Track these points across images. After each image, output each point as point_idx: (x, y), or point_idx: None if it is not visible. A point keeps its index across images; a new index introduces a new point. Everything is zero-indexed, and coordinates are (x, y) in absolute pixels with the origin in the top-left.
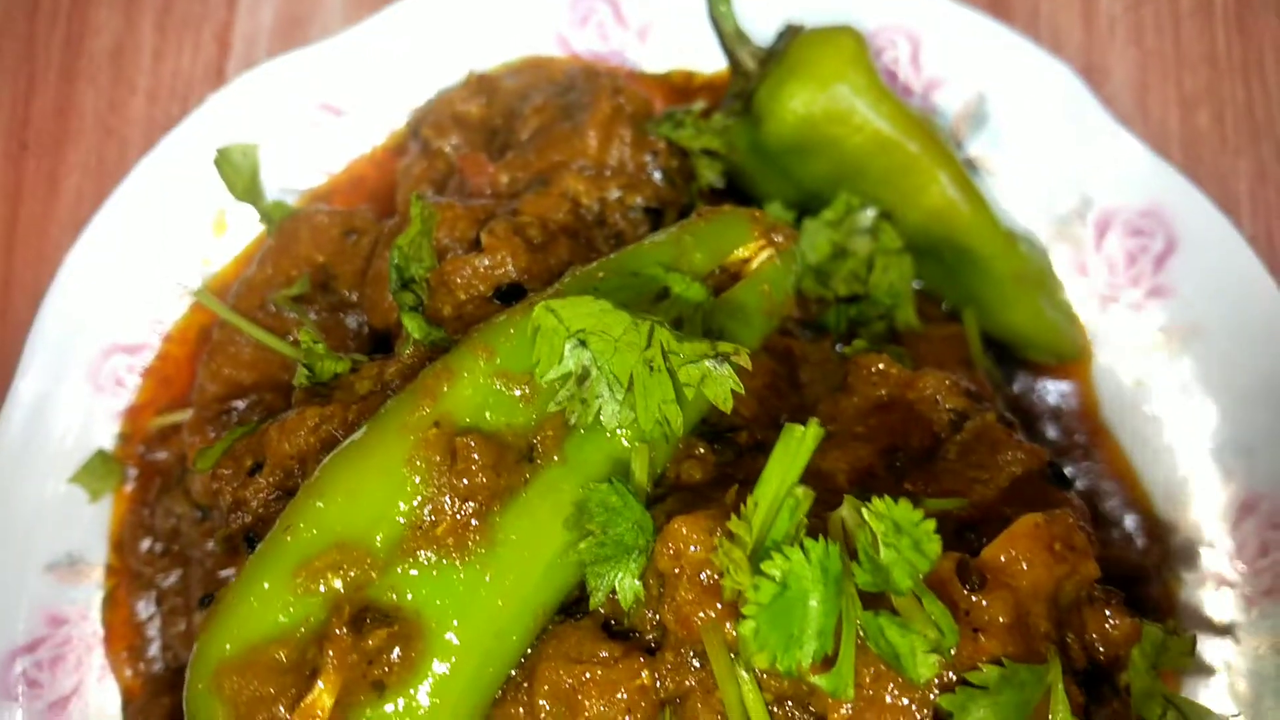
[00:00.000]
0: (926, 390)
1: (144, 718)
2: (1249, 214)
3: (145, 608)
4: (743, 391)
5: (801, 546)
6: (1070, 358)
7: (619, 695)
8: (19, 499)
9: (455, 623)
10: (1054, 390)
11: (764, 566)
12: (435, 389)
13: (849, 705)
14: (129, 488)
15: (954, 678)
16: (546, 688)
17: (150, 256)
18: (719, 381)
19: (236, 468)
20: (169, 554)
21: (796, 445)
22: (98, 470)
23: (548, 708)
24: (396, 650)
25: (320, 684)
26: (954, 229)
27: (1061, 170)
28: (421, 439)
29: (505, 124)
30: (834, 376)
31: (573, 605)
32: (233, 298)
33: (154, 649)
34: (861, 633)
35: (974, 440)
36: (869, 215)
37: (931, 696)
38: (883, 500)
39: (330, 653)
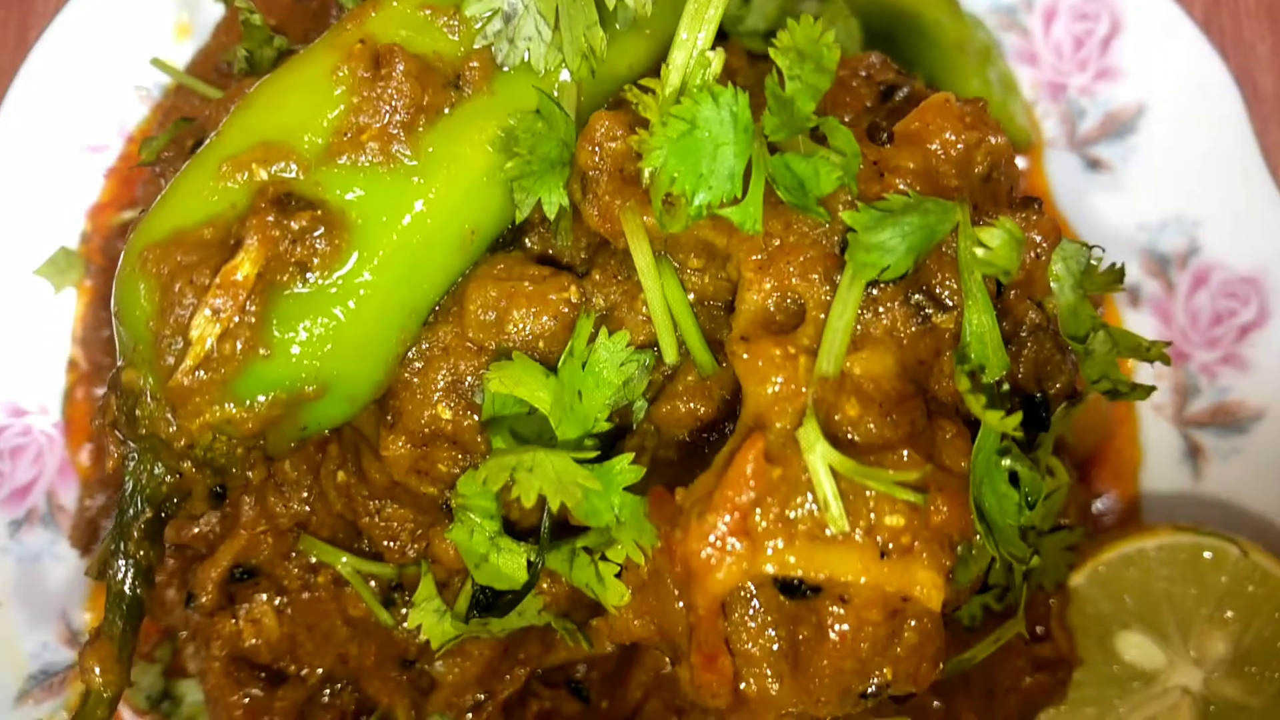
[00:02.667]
0: (859, 66)
1: (101, 486)
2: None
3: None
4: None
5: (711, 93)
6: (1021, 143)
7: (546, 305)
8: None
9: (383, 220)
10: None
11: (673, 110)
12: (362, 14)
13: (761, 255)
14: (90, 283)
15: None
16: (476, 304)
17: (113, 60)
18: None
19: (178, 149)
20: None
21: (706, 4)
22: (61, 264)
23: (476, 321)
24: (321, 236)
25: (243, 253)
26: None
27: None
28: (347, 52)
29: None
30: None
31: (504, 245)
32: (187, 66)
33: None
34: (771, 179)
35: (904, 104)
36: None
37: (836, 237)
38: (786, 31)
39: (253, 223)
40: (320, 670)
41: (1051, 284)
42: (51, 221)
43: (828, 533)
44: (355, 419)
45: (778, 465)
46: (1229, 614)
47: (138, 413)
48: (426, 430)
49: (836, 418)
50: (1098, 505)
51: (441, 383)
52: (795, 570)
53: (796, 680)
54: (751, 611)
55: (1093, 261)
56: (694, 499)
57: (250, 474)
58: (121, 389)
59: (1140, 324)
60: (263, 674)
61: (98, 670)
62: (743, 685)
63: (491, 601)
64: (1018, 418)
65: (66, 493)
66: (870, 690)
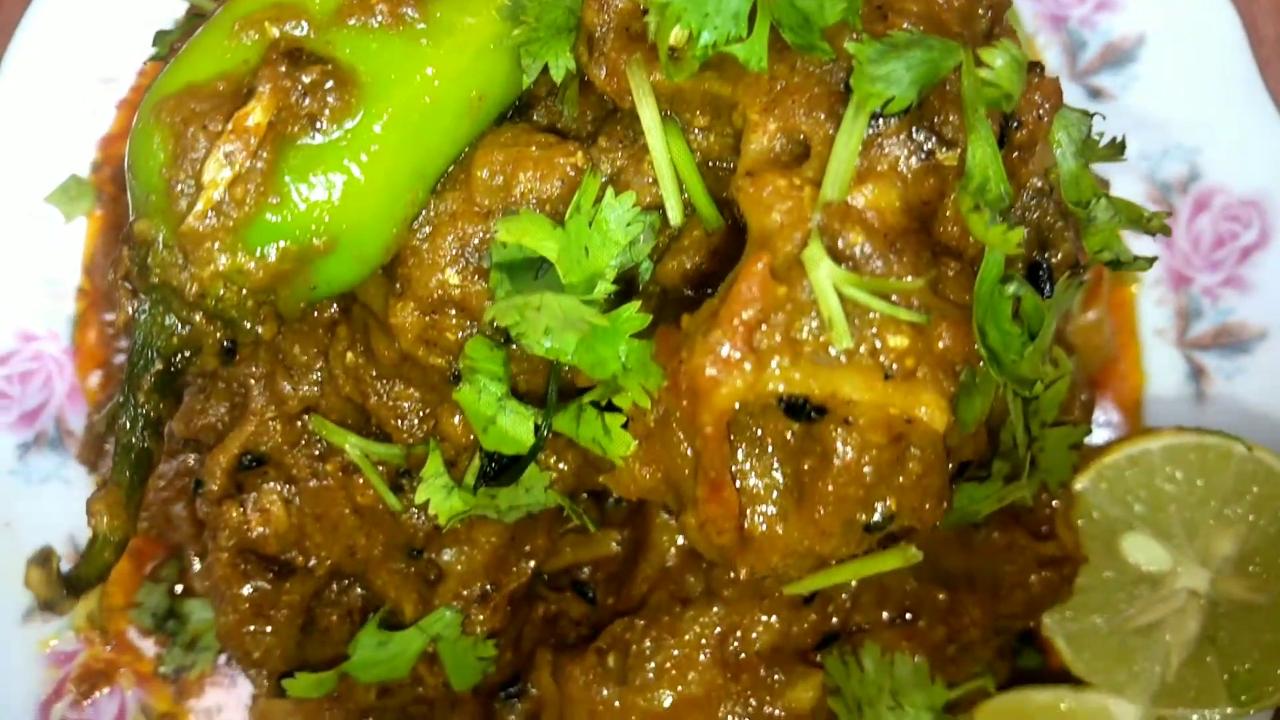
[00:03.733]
0: None
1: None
2: None
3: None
4: None
5: None
6: None
7: (552, 169)
8: None
9: (391, 79)
10: None
11: None
12: None
13: (766, 98)
14: (101, 211)
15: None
16: (482, 168)
17: None
18: None
19: None
20: None
21: None
22: (72, 191)
23: (482, 184)
24: (331, 91)
25: (255, 101)
26: None
27: None
28: None
29: None
30: None
31: (510, 119)
32: None
33: (121, 361)
34: (776, 20)
35: None
36: None
37: (841, 74)
38: None
39: (265, 73)
40: (329, 562)
41: (1054, 150)
42: (64, 151)
43: (831, 352)
44: (364, 294)
45: (782, 284)
46: (1234, 512)
47: (150, 261)
48: (435, 296)
49: (840, 244)
50: (1104, 432)
51: (449, 248)
52: (799, 388)
53: (801, 514)
54: (757, 448)
55: (1093, 135)
56: (699, 320)
57: (260, 329)
58: (134, 240)
59: (1142, 250)
60: (270, 567)
61: (105, 516)
62: (747, 524)
63: (499, 471)
64: (1019, 234)
65: (75, 417)
66: (875, 521)
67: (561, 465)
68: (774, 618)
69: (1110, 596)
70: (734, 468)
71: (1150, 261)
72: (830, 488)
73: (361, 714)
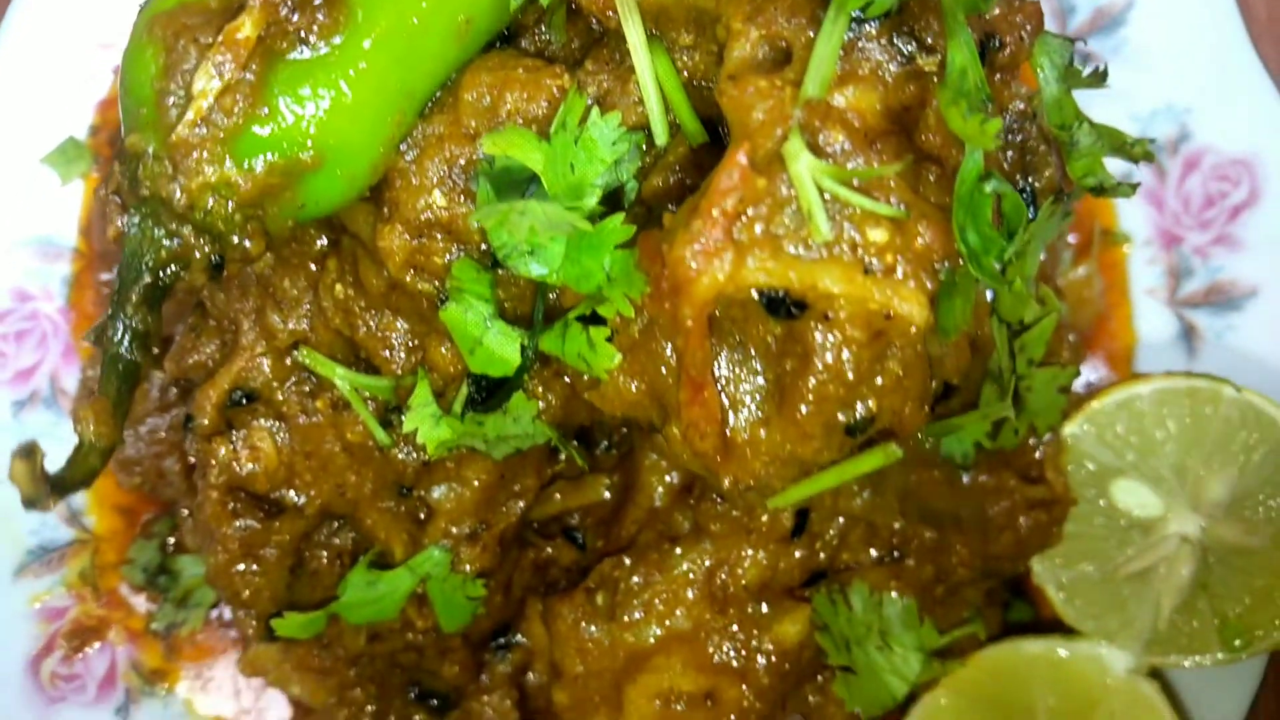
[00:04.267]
0: None
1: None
2: None
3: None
4: None
5: None
6: None
7: (539, 89)
8: None
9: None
10: None
11: None
12: None
13: (749, 7)
14: (97, 174)
15: None
16: (469, 90)
17: None
18: None
19: None
20: None
21: None
22: (69, 153)
23: (470, 106)
24: (321, 8)
25: (245, 15)
26: None
27: None
28: None
29: None
30: None
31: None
32: None
33: None
34: None
35: None
36: None
37: None
38: None
39: None
40: (318, 500)
41: (1036, 73)
42: (61, 114)
43: (811, 246)
44: (353, 223)
45: (762, 177)
46: (1225, 455)
47: (139, 174)
48: (422, 219)
49: (821, 141)
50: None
51: (436, 169)
52: (779, 279)
53: (783, 416)
54: (739, 354)
55: (1075, 64)
56: (681, 215)
57: (249, 244)
58: (125, 154)
59: (1133, 212)
60: (260, 506)
61: (92, 423)
62: (729, 430)
63: (487, 395)
64: (997, 124)
65: (69, 377)
66: (856, 421)
67: (550, 396)
68: (761, 553)
69: (1101, 543)
70: (716, 373)
71: (1134, 188)
72: (811, 383)
73: (351, 661)
